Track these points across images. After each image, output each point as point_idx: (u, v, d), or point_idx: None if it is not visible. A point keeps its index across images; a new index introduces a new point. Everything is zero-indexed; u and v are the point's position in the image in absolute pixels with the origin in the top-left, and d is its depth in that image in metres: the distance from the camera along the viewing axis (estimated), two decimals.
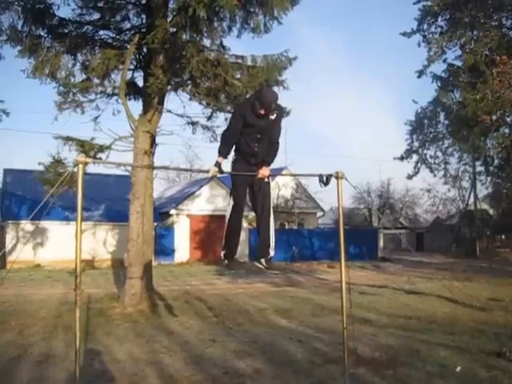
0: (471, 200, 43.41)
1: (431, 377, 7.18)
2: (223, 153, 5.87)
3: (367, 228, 45.84)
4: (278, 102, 5.87)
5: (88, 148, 14.50)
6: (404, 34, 21.41)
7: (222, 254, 6.61)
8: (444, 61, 21.22)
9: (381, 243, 39.55)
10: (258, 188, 6.09)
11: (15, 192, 27.27)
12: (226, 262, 6.63)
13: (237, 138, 5.90)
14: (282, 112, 6.16)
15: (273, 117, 5.85)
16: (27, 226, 26.35)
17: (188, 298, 15.41)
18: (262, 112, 5.64)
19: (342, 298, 5.57)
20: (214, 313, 13.00)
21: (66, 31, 14.55)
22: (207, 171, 6.00)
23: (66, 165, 15.17)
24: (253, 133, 5.87)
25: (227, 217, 6.30)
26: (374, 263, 31.52)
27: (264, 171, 5.86)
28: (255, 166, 5.95)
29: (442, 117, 24.88)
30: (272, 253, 6.57)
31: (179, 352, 8.90)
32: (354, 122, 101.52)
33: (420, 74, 21.51)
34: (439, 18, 20.42)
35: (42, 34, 14.40)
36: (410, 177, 28.14)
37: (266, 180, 6.08)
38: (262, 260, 6.55)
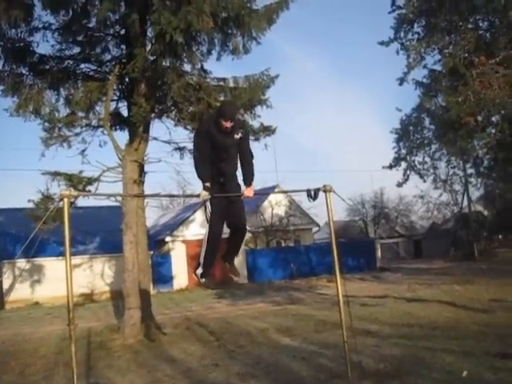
0: (465, 203, 43.51)
1: None
2: (204, 177, 5.81)
3: (364, 239, 45.80)
4: (241, 120, 5.94)
5: (76, 181, 14.47)
6: (382, 43, 21.51)
7: (199, 273, 6.67)
8: (424, 66, 21.31)
9: (378, 253, 39.51)
10: (232, 206, 6.15)
11: (9, 231, 27.07)
12: (204, 280, 6.72)
13: (208, 158, 5.82)
14: (248, 130, 6.16)
15: (238, 136, 5.80)
16: (23, 264, 26.16)
17: (189, 324, 15.29)
18: (228, 125, 5.57)
19: (341, 311, 5.53)
20: (216, 337, 12.90)
21: (48, 67, 14.57)
22: (198, 195, 5.96)
23: (55, 200, 15.11)
24: (220, 152, 5.82)
25: (205, 239, 6.33)
26: (373, 274, 31.43)
27: (249, 192, 5.86)
28: (225, 186, 5.98)
29: (427, 122, 25.00)
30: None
31: (182, 379, 8.82)
32: (343, 135, 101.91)
33: (401, 81, 21.58)
34: (415, 25, 20.54)
35: (24, 71, 14.44)
36: (399, 184, 28.14)
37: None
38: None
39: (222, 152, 5.82)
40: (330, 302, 16.66)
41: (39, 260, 25.77)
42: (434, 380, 7.29)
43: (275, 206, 37.39)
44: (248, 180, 5.97)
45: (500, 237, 51.87)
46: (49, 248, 23.18)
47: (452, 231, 46.29)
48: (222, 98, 14.55)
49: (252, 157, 6.05)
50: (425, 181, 28.86)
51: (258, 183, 35.26)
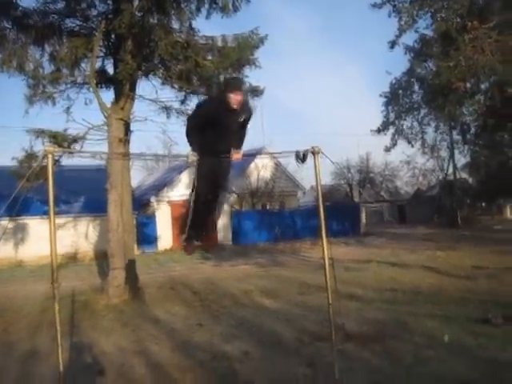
0: (450, 170, 43.72)
1: (420, 348, 7.20)
2: (195, 148, 5.66)
3: (349, 203, 45.94)
4: (247, 100, 5.85)
5: (61, 139, 14.29)
6: (374, 6, 21.20)
7: (184, 237, 6.55)
8: (416, 31, 21.09)
9: (363, 218, 39.78)
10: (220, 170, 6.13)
11: None
12: (185, 244, 6.63)
13: (204, 134, 5.69)
14: (252, 112, 6.00)
15: (242, 118, 5.76)
16: (6, 222, 26.00)
17: (173, 285, 15.33)
18: (239, 97, 5.45)
19: (326, 274, 5.51)
20: (200, 298, 12.95)
21: (32, 22, 14.20)
22: (186, 156, 5.80)
23: (39, 157, 14.94)
24: (220, 132, 5.69)
25: (191, 204, 6.25)
26: (357, 238, 31.65)
27: (237, 154, 5.79)
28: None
29: (416, 87, 24.82)
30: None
31: (166, 339, 8.84)
32: (331, 99, 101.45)
33: (392, 44, 21.32)
34: None
35: (7, 26, 14.07)
36: (387, 149, 28.05)
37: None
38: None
39: (222, 132, 5.69)
40: (313, 265, 16.77)
41: (23, 219, 25.57)
42: (415, 344, 7.39)
43: (261, 169, 37.30)
44: (238, 145, 5.94)
45: (483, 204, 52.32)
46: (33, 207, 22.97)
47: (436, 198, 46.63)
48: (209, 57, 14.35)
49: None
50: (413, 146, 28.78)
51: (245, 145, 35.03)
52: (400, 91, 25.34)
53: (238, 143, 5.96)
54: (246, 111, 5.82)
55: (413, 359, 6.74)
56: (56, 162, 14.13)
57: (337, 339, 5.72)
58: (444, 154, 43.31)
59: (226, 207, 33.94)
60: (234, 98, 5.43)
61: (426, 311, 9.44)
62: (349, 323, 8.28)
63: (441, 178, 47.22)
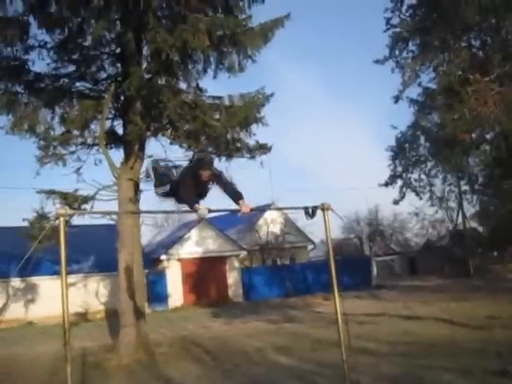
0: (460, 219, 43.55)
1: None
2: (192, 202, 5.98)
3: (359, 257, 45.67)
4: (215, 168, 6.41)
5: (72, 200, 14.45)
6: (377, 62, 21.63)
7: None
8: (419, 84, 21.45)
9: (374, 271, 39.44)
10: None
11: (3, 250, 26.90)
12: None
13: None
14: (220, 177, 6.43)
15: (210, 186, 6.33)
16: (17, 283, 25.96)
17: (184, 344, 15.17)
18: (207, 174, 6.09)
19: (339, 330, 5.48)
20: (212, 356, 12.79)
21: (43, 85, 14.60)
22: (196, 211, 5.87)
23: (50, 219, 15.07)
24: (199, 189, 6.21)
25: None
26: (369, 291, 31.33)
27: (245, 208, 5.88)
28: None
29: (422, 140, 25.01)
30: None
31: None
32: (338, 154, 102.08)
33: (396, 99, 21.68)
34: (410, 43, 20.66)
35: (19, 90, 14.46)
36: (396, 202, 28.09)
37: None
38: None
39: (201, 191, 6.25)
40: (326, 320, 16.58)
41: (33, 279, 25.58)
42: None
43: (270, 224, 37.32)
44: (238, 196, 6.10)
45: (495, 253, 51.79)
46: (43, 267, 23.02)
47: (447, 248, 46.25)
48: (217, 116, 14.59)
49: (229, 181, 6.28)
50: (421, 198, 28.75)
51: (253, 201, 35.18)
52: (406, 145, 25.54)
53: (237, 195, 6.12)
54: (215, 179, 6.30)
55: None
56: (66, 222, 14.24)
57: None
58: (453, 204, 43.21)
59: (236, 264, 33.92)
60: (204, 174, 6.04)
61: (441, 364, 9.28)
62: (364, 379, 8.16)
63: (450, 228, 46.97)
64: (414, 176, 26.98)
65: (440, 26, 18.50)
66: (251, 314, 22.64)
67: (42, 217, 15.51)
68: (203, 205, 5.79)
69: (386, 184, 26.72)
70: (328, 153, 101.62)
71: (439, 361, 9.63)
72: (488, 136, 21.08)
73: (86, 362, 12.96)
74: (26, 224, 16.15)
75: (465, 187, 34.39)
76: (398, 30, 20.53)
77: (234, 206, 6.16)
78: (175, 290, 31.12)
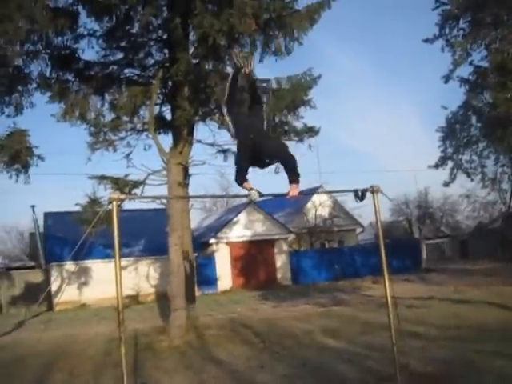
0: None
1: None
2: (242, 177, 5.72)
3: (409, 240, 45.13)
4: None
5: (122, 185, 14.71)
6: (427, 41, 21.23)
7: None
8: (470, 63, 20.94)
9: (424, 254, 38.92)
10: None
11: (57, 234, 27.60)
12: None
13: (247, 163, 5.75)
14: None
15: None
16: (71, 266, 26.62)
17: (234, 326, 15.32)
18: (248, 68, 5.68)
19: (389, 313, 5.46)
20: (261, 338, 12.88)
21: (92, 73, 14.88)
22: (246, 196, 5.83)
23: (102, 203, 15.38)
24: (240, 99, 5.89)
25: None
26: (418, 275, 30.93)
27: (294, 191, 5.68)
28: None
29: (473, 120, 24.46)
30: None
31: (228, 381, 8.85)
32: (386, 135, 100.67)
33: (447, 78, 21.24)
34: (460, 21, 20.20)
35: (70, 78, 14.80)
36: (446, 184, 27.60)
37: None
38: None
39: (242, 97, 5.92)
40: (375, 303, 16.53)
41: (86, 262, 26.18)
42: None
43: (319, 207, 37.20)
44: (294, 178, 5.70)
45: None
46: (95, 251, 23.56)
47: (499, 231, 45.23)
48: (264, 100, 14.57)
49: (287, 149, 5.92)
50: (472, 180, 28.19)
51: (302, 185, 35.12)
52: (457, 125, 25.02)
53: (292, 172, 5.73)
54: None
55: None
56: (119, 207, 14.51)
57: (402, 379, 5.61)
58: (506, 186, 42.12)
59: (284, 247, 33.96)
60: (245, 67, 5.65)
61: (493, 349, 9.10)
62: (413, 362, 8.10)
63: (503, 210, 45.88)
64: (465, 157, 26.47)
65: (493, 2, 18.01)
66: (300, 297, 22.68)
67: (94, 202, 15.84)
68: (255, 188, 5.64)
69: (437, 166, 26.29)
70: (377, 135, 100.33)
71: (491, 345, 9.44)
72: None
73: (138, 343, 13.24)
74: (78, 209, 16.52)
75: None
76: (448, 7, 20.09)
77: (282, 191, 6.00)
78: (224, 273, 31.41)
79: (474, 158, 26.62)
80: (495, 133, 21.38)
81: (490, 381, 7.25)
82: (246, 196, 5.88)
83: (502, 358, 8.39)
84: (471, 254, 47.10)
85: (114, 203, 4.67)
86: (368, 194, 5.55)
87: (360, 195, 5.56)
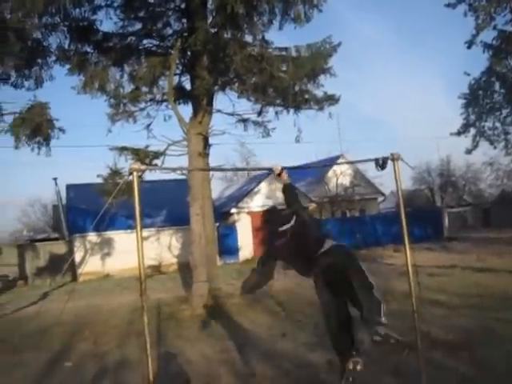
0: None
1: None
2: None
3: (430, 208, 44.90)
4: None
5: (143, 156, 14.77)
6: (449, 5, 20.81)
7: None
8: (494, 28, 20.50)
9: (446, 222, 38.71)
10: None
11: (79, 206, 27.88)
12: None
13: None
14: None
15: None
16: (94, 237, 26.94)
17: (255, 295, 15.40)
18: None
19: (410, 281, 5.45)
20: (283, 307, 12.98)
21: (111, 44, 14.85)
22: (269, 169, 5.81)
23: (123, 174, 15.48)
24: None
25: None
26: (440, 243, 30.83)
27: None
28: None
29: (497, 86, 24.05)
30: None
31: (250, 349, 8.93)
32: (408, 103, 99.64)
33: (470, 44, 20.87)
34: None
35: (89, 50, 14.79)
36: (468, 151, 27.28)
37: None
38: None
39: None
40: (396, 271, 16.49)
41: (108, 233, 26.48)
42: (506, 352, 7.11)
43: (340, 176, 37.06)
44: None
45: None
46: (117, 222, 23.77)
47: None
48: (284, 68, 14.46)
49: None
50: (495, 147, 27.80)
51: (323, 154, 34.99)
52: (480, 92, 24.61)
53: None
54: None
55: (505, 367, 6.52)
56: (139, 177, 14.59)
57: (423, 347, 5.62)
58: None
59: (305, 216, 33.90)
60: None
61: None
62: (434, 330, 8.11)
63: None
64: (488, 124, 26.06)
65: None
66: None
67: (115, 173, 15.93)
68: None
69: (459, 133, 25.98)
70: (399, 102, 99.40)
71: None
72: None
73: (161, 313, 13.42)
74: (100, 180, 16.63)
75: None
76: None
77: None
78: (245, 242, 31.55)
79: (497, 124, 26.20)
80: None
81: (511, 348, 7.24)
82: (268, 169, 5.85)
83: None
84: (494, 222, 46.72)
85: (135, 174, 4.67)
86: (389, 162, 5.48)
87: (381, 163, 5.49)
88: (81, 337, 11.23)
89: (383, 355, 7.61)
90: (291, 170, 6.12)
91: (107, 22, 14.67)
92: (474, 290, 12.68)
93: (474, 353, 7.22)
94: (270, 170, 5.77)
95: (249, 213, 32.64)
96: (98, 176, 16.55)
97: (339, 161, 34.48)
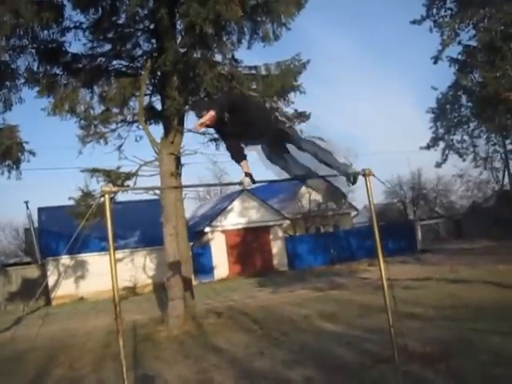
0: (506, 180, 42.60)
1: (487, 366, 6.98)
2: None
3: (403, 221, 45.29)
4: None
5: (115, 177, 14.68)
6: (414, 22, 21.19)
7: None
8: (459, 43, 20.92)
9: (419, 235, 39.09)
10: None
11: (51, 229, 27.57)
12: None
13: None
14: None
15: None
16: (67, 260, 26.63)
17: (232, 314, 15.37)
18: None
19: (385, 295, 5.48)
20: (259, 325, 12.93)
21: (81, 66, 14.79)
22: (239, 183, 5.69)
23: (94, 196, 15.36)
24: None
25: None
26: (414, 256, 31.12)
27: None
28: None
29: (464, 100, 24.51)
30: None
31: (228, 368, 8.88)
32: (378, 118, 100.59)
33: (436, 59, 21.22)
34: (448, 1, 20.15)
35: (58, 71, 14.72)
36: (438, 165, 27.71)
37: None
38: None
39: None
40: (372, 286, 16.59)
41: (82, 256, 26.18)
42: (481, 362, 7.17)
43: (312, 192, 37.20)
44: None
45: None
46: (91, 244, 23.54)
47: (494, 209, 45.38)
48: (254, 86, 14.54)
49: None
50: (464, 160, 28.31)
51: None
52: (447, 106, 25.07)
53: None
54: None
55: (480, 378, 6.57)
56: (111, 199, 14.51)
57: (400, 361, 5.64)
58: (498, 164, 42.24)
59: (279, 233, 34.03)
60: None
61: (490, 327, 9.16)
62: (411, 343, 8.13)
63: (497, 189, 46.02)
64: (457, 137, 26.57)
65: None
66: (297, 283, 22.76)
67: (87, 195, 15.79)
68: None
69: (428, 147, 26.37)
70: (369, 118, 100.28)
71: (488, 324, 9.50)
72: None
73: (137, 334, 13.29)
74: (71, 203, 16.47)
75: (510, 146, 33.57)
76: None
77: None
78: (220, 261, 31.51)
79: (466, 137, 26.75)
80: (485, 112, 21.45)
81: (487, 358, 7.30)
82: (238, 184, 5.77)
83: (498, 335, 8.46)
84: (466, 233, 47.30)
85: (107, 196, 4.64)
86: (360, 178, 5.53)
87: (352, 179, 5.54)
88: (56, 362, 11.05)
89: (361, 370, 7.65)
90: (263, 183, 6.03)
91: (76, 44, 14.61)
92: (449, 301, 12.78)
93: (450, 364, 7.27)
94: (240, 185, 5.61)
95: (223, 231, 32.61)
96: (70, 198, 16.40)
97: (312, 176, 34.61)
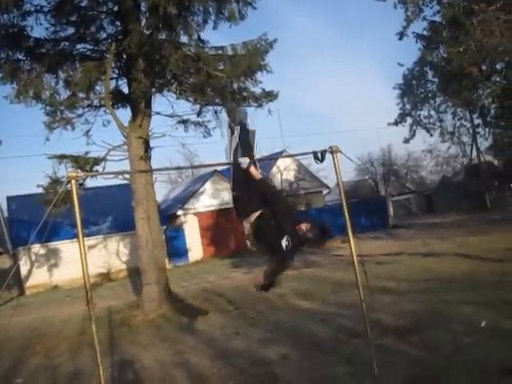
0: (474, 154, 43.17)
1: (458, 335, 7.13)
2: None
3: (375, 198, 45.64)
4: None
5: (83, 163, 14.49)
6: None
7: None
8: (423, 19, 20.98)
9: (391, 211, 39.45)
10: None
11: (21, 218, 27.19)
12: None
13: None
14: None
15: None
16: (39, 249, 26.34)
17: (207, 295, 15.40)
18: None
19: (356, 271, 5.52)
20: (235, 305, 13.00)
21: (44, 51, 14.46)
22: (213, 165, 5.58)
23: (63, 183, 15.17)
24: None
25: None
26: (386, 232, 31.40)
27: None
28: None
29: (430, 75, 24.73)
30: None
31: (204, 349, 8.92)
32: (347, 95, 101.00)
33: (401, 35, 21.25)
34: None
35: (21, 57, 14.34)
36: (406, 140, 27.99)
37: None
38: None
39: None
40: (345, 262, 16.71)
41: (54, 244, 25.93)
42: (453, 332, 7.32)
43: (284, 172, 37.30)
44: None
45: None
46: (63, 231, 23.30)
47: (463, 183, 46.02)
48: (221, 67, 14.44)
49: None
50: (432, 135, 28.63)
51: (265, 149, 35.22)
52: (414, 82, 25.27)
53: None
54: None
55: (452, 348, 6.68)
56: (80, 185, 14.35)
57: (373, 334, 5.71)
58: (466, 139, 42.73)
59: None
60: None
61: (461, 298, 9.35)
62: (385, 317, 8.27)
63: (465, 163, 46.61)
64: (424, 113, 26.85)
65: None
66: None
67: (55, 182, 15.56)
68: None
69: (396, 123, 26.58)
70: (338, 95, 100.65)
71: (459, 295, 9.69)
72: (498, 66, 20.70)
73: (112, 320, 13.26)
74: (40, 190, 16.26)
75: (477, 121, 33.92)
76: None
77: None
78: (194, 243, 31.49)
79: (432, 113, 27.05)
80: (451, 87, 21.65)
81: (458, 328, 7.45)
82: (208, 165, 5.71)
83: (468, 306, 8.64)
84: (437, 208, 47.94)
85: (73, 181, 4.59)
86: (328, 155, 5.53)
87: (319, 156, 5.53)
88: (32, 351, 10.99)
89: (336, 345, 7.73)
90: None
91: (38, 28, 14.26)
92: (422, 274, 12.96)
93: (423, 336, 7.40)
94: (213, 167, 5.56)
95: (195, 214, 32.53)
96: (39, 186, 16.17)
97: (281, 155, 34.70)
